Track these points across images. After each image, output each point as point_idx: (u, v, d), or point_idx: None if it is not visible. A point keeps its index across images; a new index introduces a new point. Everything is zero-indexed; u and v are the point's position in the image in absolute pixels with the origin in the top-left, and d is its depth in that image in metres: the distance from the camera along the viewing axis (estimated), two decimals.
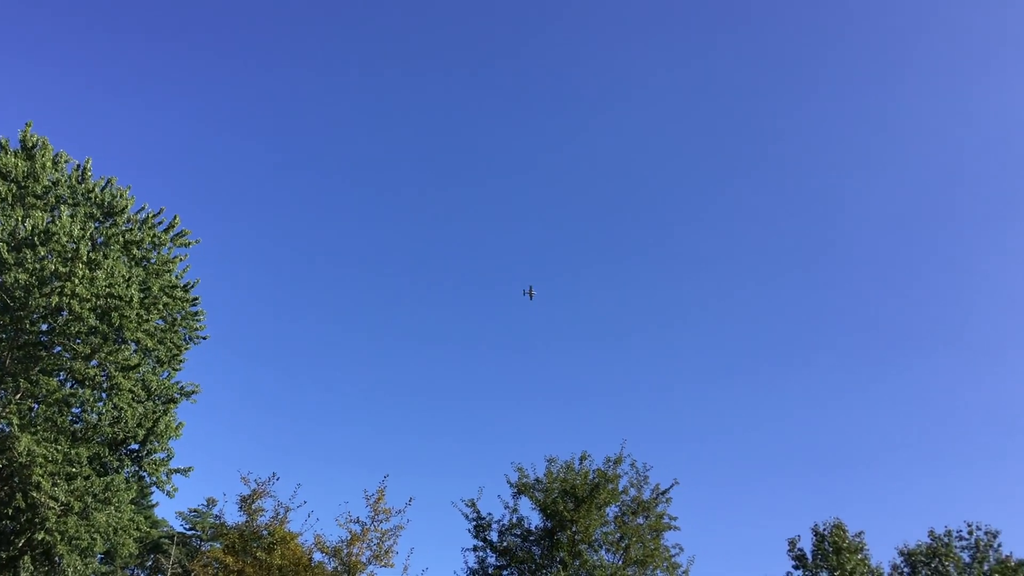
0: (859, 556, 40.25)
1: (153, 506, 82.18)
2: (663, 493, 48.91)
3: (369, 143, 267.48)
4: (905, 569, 39.79)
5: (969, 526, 39.94)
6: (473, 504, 48.83)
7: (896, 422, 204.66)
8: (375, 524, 41.54)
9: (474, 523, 48.68)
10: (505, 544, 48.06)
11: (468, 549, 48.36)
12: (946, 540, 39.62)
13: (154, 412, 54.27)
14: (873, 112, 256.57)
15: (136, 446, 54.42)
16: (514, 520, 48.53)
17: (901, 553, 40.19)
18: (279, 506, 41.28)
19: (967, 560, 39.27)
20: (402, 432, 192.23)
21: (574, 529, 46.52)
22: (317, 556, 41.27)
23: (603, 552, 47.64)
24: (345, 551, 40.70)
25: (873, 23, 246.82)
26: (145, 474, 54.92)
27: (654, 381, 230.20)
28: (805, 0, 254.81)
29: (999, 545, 39.29)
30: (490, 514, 48.75)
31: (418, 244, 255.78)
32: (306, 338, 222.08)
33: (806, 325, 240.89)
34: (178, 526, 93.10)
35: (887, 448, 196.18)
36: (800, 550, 41.54)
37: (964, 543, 39.64)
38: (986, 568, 38.61)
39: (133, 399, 52.98)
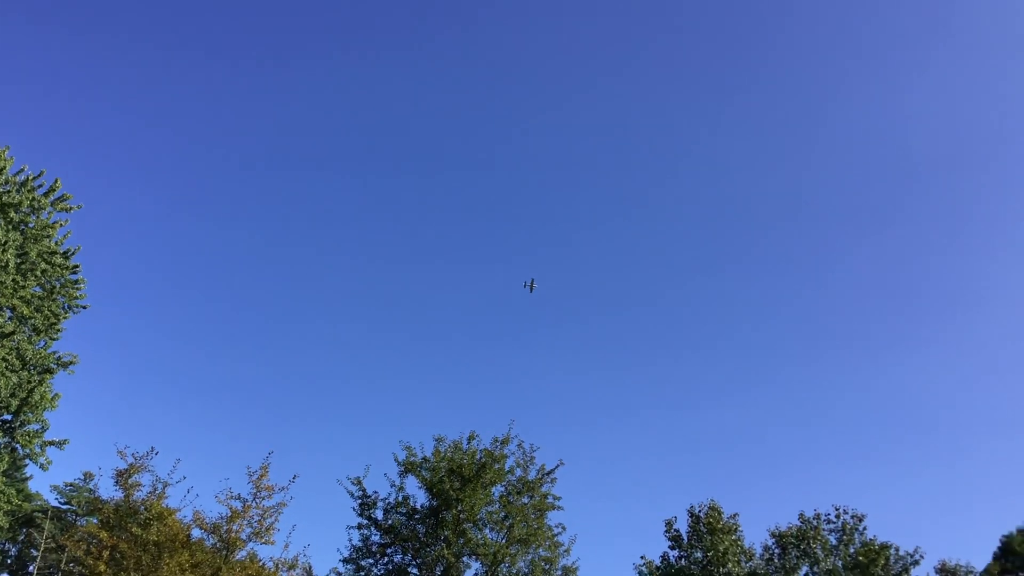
0: (732, 537, 41.36)
1: (26, 479, 79.40)
2: (548, 474, 49.52)
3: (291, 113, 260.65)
4: (776, 550, 40.99)
5: (837, 510, 41.49)
6: (359, 482, 48.61)
7: (777, 416, 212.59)
8: (257, 501, 40.95)
9: (359, 501, 48.48)
10: (390, 522, 48.01)
11: (352, 527, 48.20)
12: (815, 523, 40.98)
13: (29, 382, 52.31)
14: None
15: (8, 417, 52.37)
16: (400, 499, 48.56)
17: (773, 535, 41.45)
18: (157, 481, 40.33)
19: (834, 542, 40.72)
20: (290, 409, 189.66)
21: (460, 508, 46.70)
22: (196, 532, 40.55)
23: (487, 531, 48.09)
24: (224, 528, 40.05)
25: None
26: (18, 446, 52.92)
27: (544, 366, 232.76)
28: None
29: (864, 528, 40.93)
30: (376, 492, 48.71)
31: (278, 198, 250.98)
32: (196, 312, 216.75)
33: (700, 323, 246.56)
34: (53, 500, 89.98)
35: (764, 437, 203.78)
36: (677, 531, 42.47)
37: (832, 526, 41.10)
38: (851, 550, 40.09)
39: (7, 368, 50.94)
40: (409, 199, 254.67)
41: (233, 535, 40.04)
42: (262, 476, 41.22)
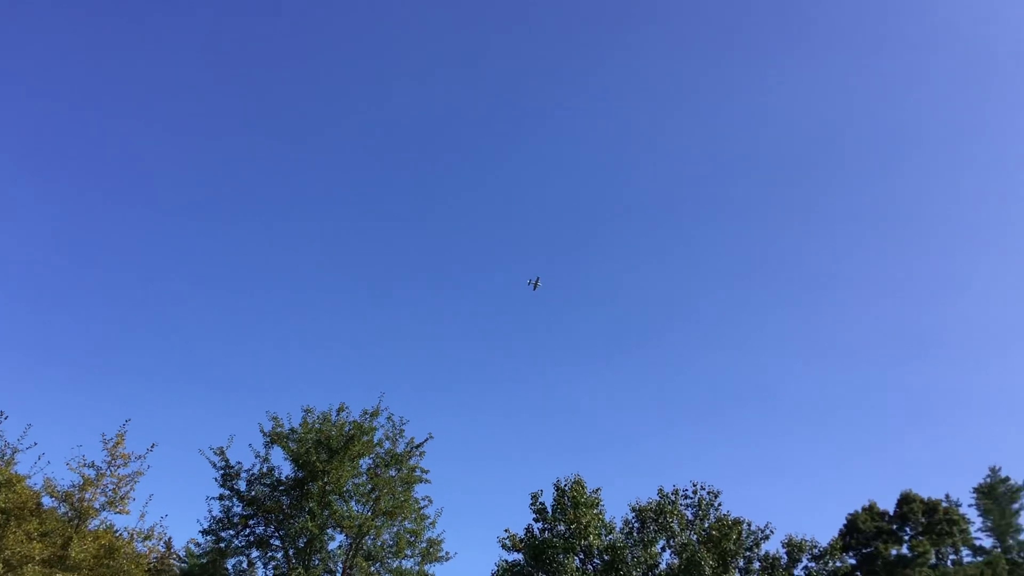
0: (595, 511, 42.22)
1: None
2: (417, 447, 49.62)
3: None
4: (636, 524, 42.03)
5: (694, 486, 42.81)
6: (222, 452, 47.63)
7: (643, 393, 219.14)
8: (112, 470, 39.67)
9: (222, 472, 47.52)
10: (253, 493, 47.24)
11: (214, 498, 47.22)
12: (673, 498, 42.16)
13: None
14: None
15: None
16: (264, 470, 47.82)
17: (633, 509, 42.45)
18: (6, 447, 38.62)
19: (690, 517, 42.03)
20: (152, 377, 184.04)
21: (326, 480, 46.33)
22: (46, 501, 39.14)
23: (353, 503, 47.86)
24: (77, 496, 38.69)
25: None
26: None
27: (416, 336, 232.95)
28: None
29: (719, 504, 42.41)
30: (239, 463, 47.78)
31: None
32: (48, 269, 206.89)
33: (565, 299, 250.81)
34: None
35: (629, 414, 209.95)
36: (542, 504, 43.10)
37: (688, 501, 42.38)
38: (706, 524, 41.47)
39: None
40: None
41: (86, 504, 38.75)
42: (118, 444, 39.99)
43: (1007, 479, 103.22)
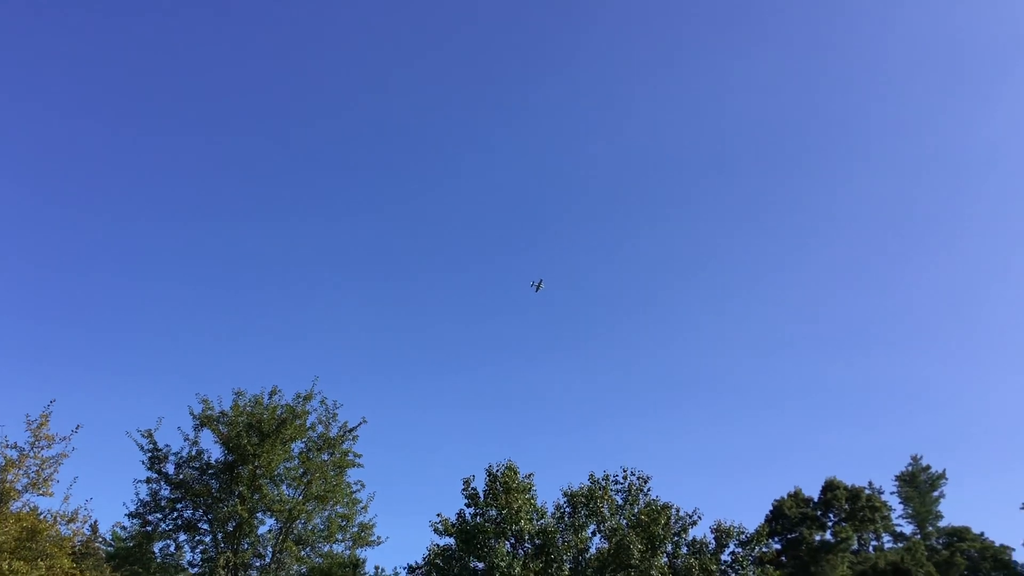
0: (527, 496, 42.32)
1: None
2: (351, 431, 49.43)
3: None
4: (567, 509, 42.25)
5: (625, 471, 43.15)
6: (150, 435, 46.86)
7: (578, 382, 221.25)
8: (35, 451, 38.69)
9: (149, 454, 46.70)
10: (181, 477, 46.57)
11: (141, 481, 46.37)
12: (603, 484, 42.47)
13: None
14: None
15: None
16: (193, 453, 47.19)
17: (565, 494, 42.67)
18: None
19: (620, 502, 42.40)
20: (76, 358, 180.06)
21: (256, 463, 45.87)
22: None
23: (284, 487, 47.48)
24: None
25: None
26: None
27: (352, 321, 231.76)
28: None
29: (649, 489, 42.81)
30: (167, 446, 47.10)
31: None
32: None
33: (500, 288, 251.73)
34: None
35: (564, 401, 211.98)
36: (474, 489, 43.07)
37: (619, 487, 42.70)
38: (636, 510, 41.89)
39: None
40: None
41: (7, 485, 37.76)
42: (41, 425, 38.97)
43: (927, 467, 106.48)
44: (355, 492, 48.87)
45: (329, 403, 49.21)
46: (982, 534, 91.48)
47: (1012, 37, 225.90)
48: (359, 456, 49.55)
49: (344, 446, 49.06)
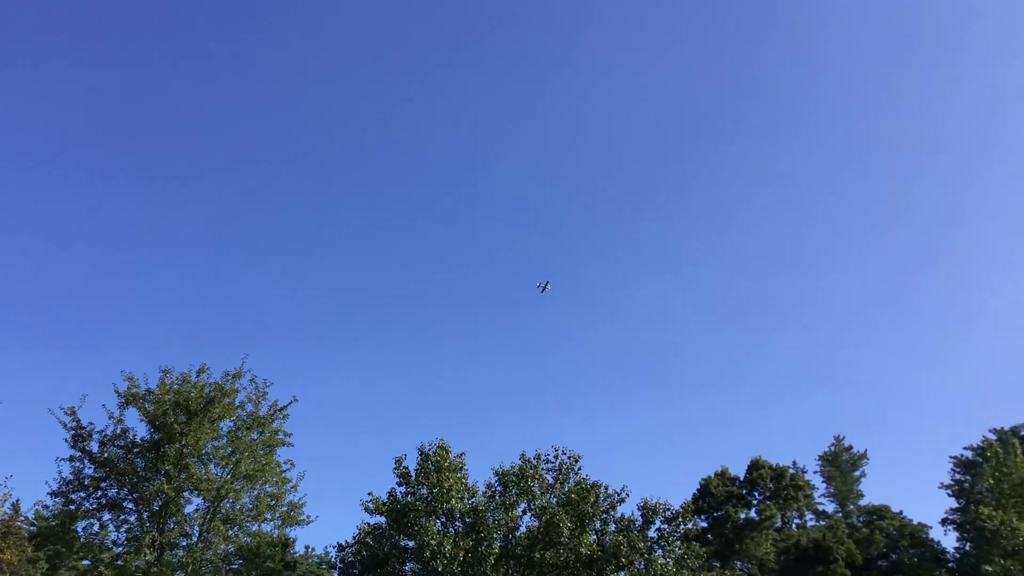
0: (458, 475, 42.55)
1: None
2: (281, 410, 49.06)
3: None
4: (498, 488, 42.52)
5: (556, 451, 43.57)
6: (73, 412, 45.91)
7: (512, 360, 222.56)
8: None
9: (72, 432, 45.78)
10: (106, 455, 45.70)
11: (64, 459, 45.42)
12: (535, 463, 42.83)
13: None
14: None
15: None
16: (118, 431, 46.29)
17: (496, 473, 42.92)
18: None
19: (551, 481, 42.84)
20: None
21: (183, 442, 45.24)
22: None
23: (212, 466, 46.94)
24: None
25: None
26: None
27: (282, 299, 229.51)
28: None
29: (579, 468, 43.37)
30: (91, 424, 46.16)
31: None
32: None
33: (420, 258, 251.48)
34: None
35: (497, 380, 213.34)
36: (405, 468, 43.14)
37: (550, 466, 43.15)
38: (566, 488, 42.38)
39: None
40: None
41: None
42: None
43: (850, 447, 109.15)
44: (285, 471, 48.55)
45: (259, 381, 48.81)
46: (901, 512, 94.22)
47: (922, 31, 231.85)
48: (289, 435, 49.30)
49: (274, 425, 48.67)
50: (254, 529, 47.53)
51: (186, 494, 45.70)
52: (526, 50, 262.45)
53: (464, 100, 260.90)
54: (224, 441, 47.24)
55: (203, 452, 46.20)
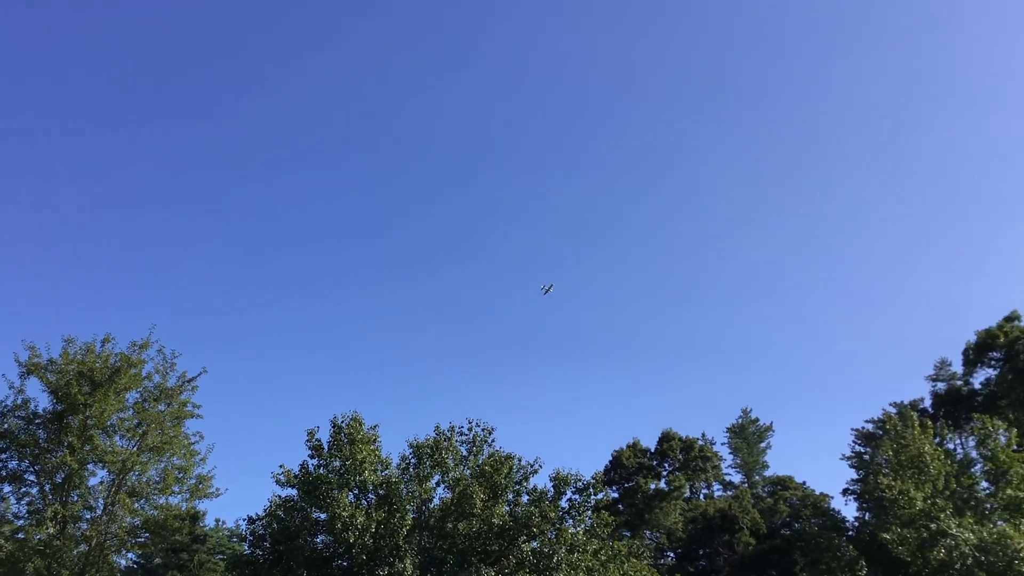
0: (372, 447, 42.30)
1: None
2: (190, 381, 48.16)
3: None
4: (412, 460, 42.45)
5: (470, 423, 43.65)
6: None
7: (428, 331, 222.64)
8: None
9: None
10: (6, 426, 44.37)
11: None
12: (448, 435, 42.86)
13: None
14: None
15: None
16: (19, 401, 44.98)
17: (411, 446, 42.82)
18: None
19: (464, 453, 42.98)
20: None
21: (87, 414, 44.15)
22: None
23: (117, 438, 45.95)
24: None
25: None
26: None
27: (195, 267, 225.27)
28: None
29: (493, 440, 43.56)
30: None
31: None
32: None
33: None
34: None
35: (413, 352, 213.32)
36: (318, 440, 42.66)
37: (464, 438, 43.22)
38: (480, 460, 42.58)
39: None
40: None
41: None
42: None
43: (756, 420, 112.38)
44: (194, 443, 47.86)
45: (167, 352, 47.86)
46: (804, 483, 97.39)
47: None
48: (198, 407, 48.54)
49: (183, 396, 47.83)
50: (161, 502, 46.74)
51: (90, 466, 44.85)
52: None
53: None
54: (130, 413, 46.32)
55: (108, 424, 45.25)
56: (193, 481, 47.25)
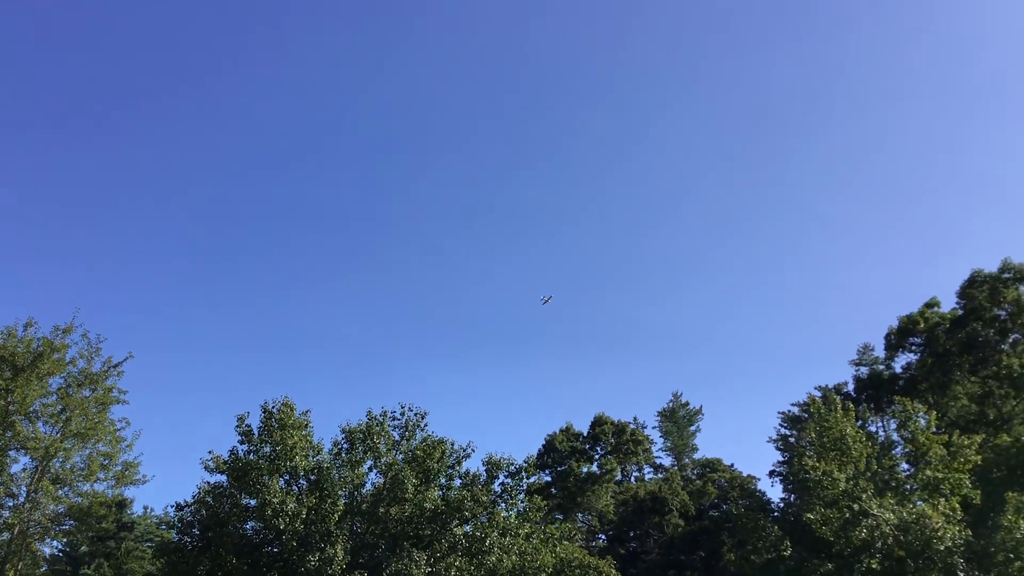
0: (303, 432, 41.94)
1: None
2: (115, 366, 47.23)
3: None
4: (345, 445, 42.25)
5: (403, 408, 43.56)
6: None
7: (362, 317, 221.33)
8: None
9: None
10: None
11: None
12: (381, 420, 42.72)
13: None
14: None
15: None
16: None
17: (343, 431, 42.60)
18: None
19: (397, 437, 42.88)
20: None
21: (9, 399, 43.05)
22: None
23: (40, 424, 44.93)
24: None
25: None
26: None
27: (121, 253, 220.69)
28: None
29: (425, 425, 43.53)
30: None
31: None
32: None
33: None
34: None
35: (348, 337, 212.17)
36: (248, 426, 42.10)
37: (396, 423, 43.12)
38: (413, 444, 42.55)
39: None
40: None
41: None
42: None
43: (687, 404, 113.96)
44: (119, 430, 47.02)
45: (92, 337, 46.78)
46: (732, 465, 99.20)
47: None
48: (124, 392, 47.61)
49: (108, 382, 46.85)
50: (86, 489, 45.85)
51: (12, 453, 43.76)
52: None
53: None
54: (53, 398, 45.31)
55: (31, 409, 44.22)
56: (119, 468, 46.46)
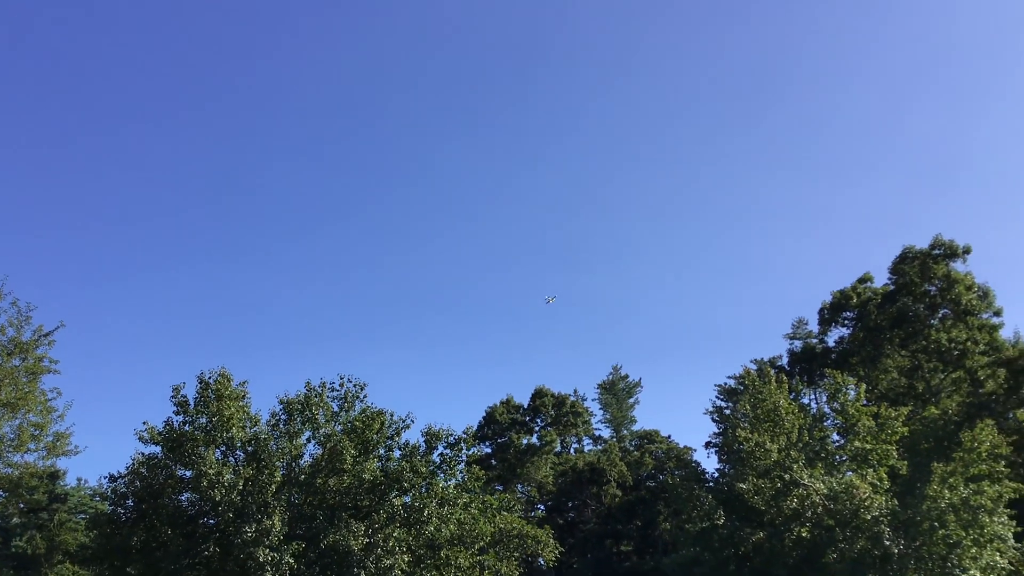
0: (240, 403, 41.49)
1: None
2: (46, 335, 46.17)
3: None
4: (283, 416, 41.94)
5: (341, 379, 43.33)
6: None
7: (307, 288, 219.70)
8: None
9: None
10: None
11: None
12: (320, 391, 42.44)
13: None
14: None
15: None
16: None
17: (281, 402, 42.25)
18: None
19: (336, 409, 42.66)
20: None
21: None
22: None
23: None
24: None
25: None
26: None
27: (54, 219, 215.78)
28: None
29: (365, 396, 43.40)
30: None
31: None
32: None
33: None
34: None
35: (290, 308, 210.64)
36: (184, 396, 41.48)
37: (335, 394, 42.87)
38: (352, 415, 42.39)
39: None
40: None
41: None
42: None
43: (626, 376, 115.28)
44: (51, 400, 46.06)
45: (21, 304, 45.58)
46: (669, 437, 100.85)
47: None
48: (56, 362, 46.55)
49: (39, 351, 45.77)
50: (16, 460, 44.93)
51: None
52: None
53: None
54: None
55: None
56: (50, 439, 45.56)
